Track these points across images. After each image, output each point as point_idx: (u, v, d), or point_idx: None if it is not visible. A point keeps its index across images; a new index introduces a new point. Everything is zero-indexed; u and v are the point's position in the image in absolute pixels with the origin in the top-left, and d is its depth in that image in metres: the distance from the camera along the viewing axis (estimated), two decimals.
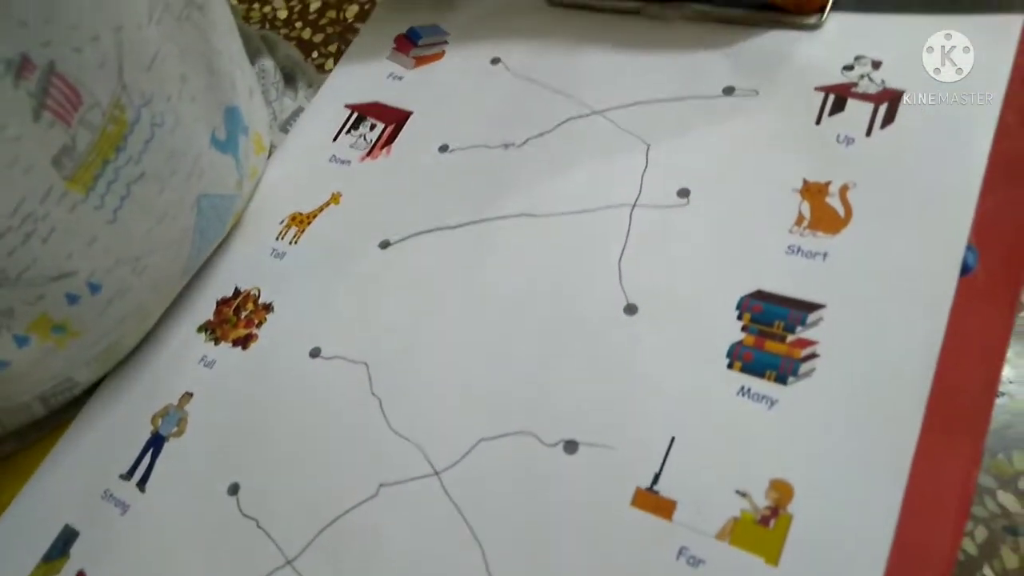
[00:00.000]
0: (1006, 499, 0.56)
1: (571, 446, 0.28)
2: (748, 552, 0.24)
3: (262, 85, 0.45)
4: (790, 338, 0.28)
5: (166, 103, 0.30)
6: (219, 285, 0.38)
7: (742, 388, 0.27)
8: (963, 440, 0.25)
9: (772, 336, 0.28)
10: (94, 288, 0.31)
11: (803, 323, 0.28)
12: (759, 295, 0.29)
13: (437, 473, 0.29)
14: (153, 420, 0.35)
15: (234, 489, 0.31)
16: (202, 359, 0.36)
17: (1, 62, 0.24)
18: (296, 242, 0.38)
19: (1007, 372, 0.59)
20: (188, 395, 0.35)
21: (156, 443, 0.34)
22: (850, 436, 0.25)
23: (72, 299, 0.31)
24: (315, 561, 0.29)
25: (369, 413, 0.31)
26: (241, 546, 0.30)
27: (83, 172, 0.28)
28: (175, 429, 0.34)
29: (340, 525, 0.29)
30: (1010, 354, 0.63)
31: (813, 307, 0.28)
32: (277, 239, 0.39)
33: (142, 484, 0.33)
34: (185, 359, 0.36)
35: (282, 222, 0.39)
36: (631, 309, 0.30)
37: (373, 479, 0.30)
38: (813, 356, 0.27)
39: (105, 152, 0.28)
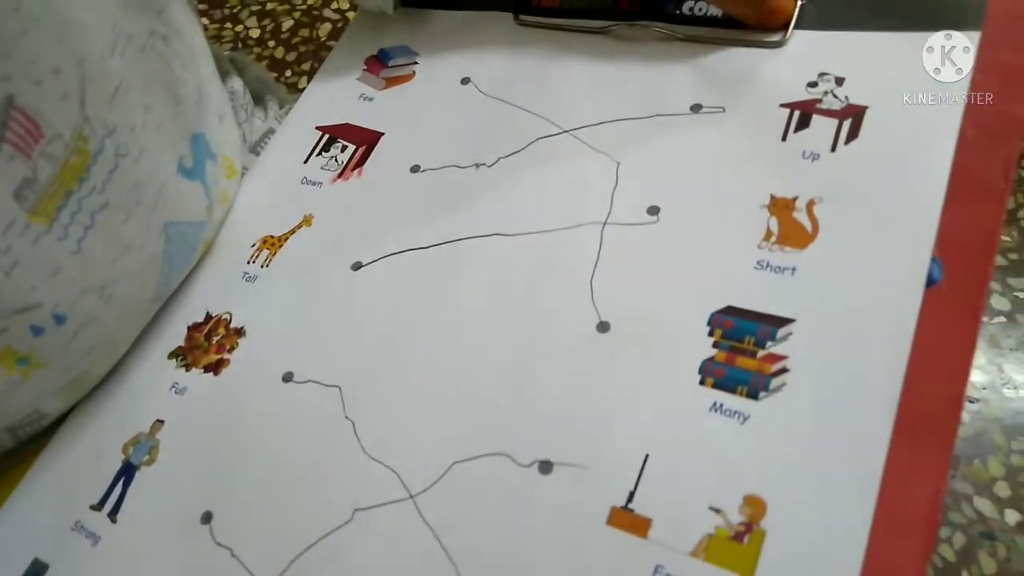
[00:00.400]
0: (982, 505, 0.57)
1: (546, 466, 0.28)
2: (723, 569, 0.24)
3: (231, 107, 0.45)
4: (761, 353, 0.28)
5: (130, 133, 0.30)
6: (190, 310, 0.38)
7: (714, 404, 0.27)
8: (932, 451, 0.25)
9: (743, 352, 0.28)
10: (59, 319, 0.31)
11: (773, 338, 0.28)
12: (729, 311, 0.29)
13: (412, 497, 0.29)
14: (124, 449, 0.34)
15: (207, 517, 0.31)
16: (173, 386, 0.36)
17: None
18: (268, 265, 0.38)
19: (981, 378, 0.60)
20: (159, 423, 0.35)
21: (127, 472, 0.34)
22: (821, 450, 0.26)
23: (37, 331, 0.31)
24: None
25: (343, 437, 0.31)
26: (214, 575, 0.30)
27: (46, 204, 0.28)
28: (146, 457, 0.34)
29: (315, 551, 0.29)
30: (983, 360, 0.65)
31: (783, 322, 0.28)
32: (249, 262, 0.39)
33: (113, 515, 0.33)
34: (156, 386, 0.36)
35: (253, 245, 0.39)
36: (603, 327, 0.30)
37: (348, 504, 0.29)
38: (784, 371, 0.27)
39: (68, 183, 0.28)
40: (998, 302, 0.61)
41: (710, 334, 0.29)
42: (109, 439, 0.35)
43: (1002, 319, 0.60)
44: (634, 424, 0.28)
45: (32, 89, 0.25)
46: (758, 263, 0.30)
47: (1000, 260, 0.62)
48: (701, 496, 0.26)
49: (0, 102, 0.25)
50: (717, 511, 0.25)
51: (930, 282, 0.28)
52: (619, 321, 0.30)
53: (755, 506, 0.25)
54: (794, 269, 0.29)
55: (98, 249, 0.30)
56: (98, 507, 0.33)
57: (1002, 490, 0.58)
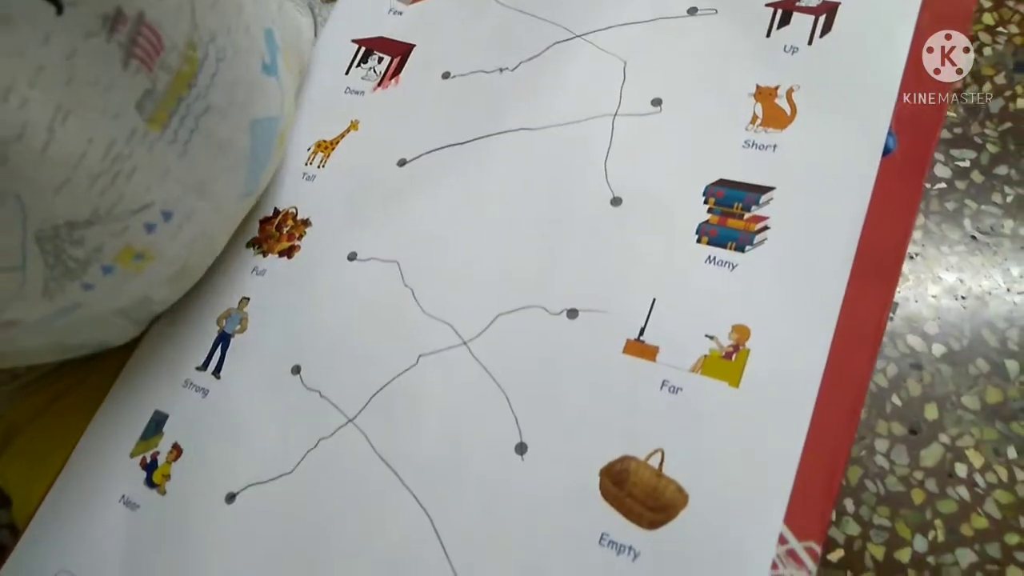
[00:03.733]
0: (914, 341, 0.65)
1: (572, 313, 0.34)
2: (716, 379, 0.31)
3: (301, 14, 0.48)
4: (747, 216, 0.34)
5: (227, 36, 0.33)
6: (259, 207, 0.44)
7: (709, 257, 0.33)
8: (880, 286, 0.31)
9: (732, 215, 0.34)
10: (167, 216, 0.35)
11: (757, 203, 0.34)
12: (721, 183, 0.35)
13: (465, 343, 0.35)
14: (218, 321, 0.41)
15: (296, 369, 0.38)
16: (254, 269, 0.42)
17: (99, 18, 0.27)
18: (324, 166, 0.44)
19: (921, 236, 0.68)
20: (245, 299, 0.41)
21: (223, 340, 0.40)
22: (794, 287, 0.31)
23: (150, 228, 0.34)
24: (372, 417, 0.35)
25: (404, 301, 0.37)
26: (308, 412, 0.36)
27: (160, 111, 0.31)
28: (238, 327, 0.40)
29: (390, 389, 0.35)
30: (923, 220, 0.71)
31: (765, 190, 0.34)
32: (306, 164, 0.44)
33: (217, 372, 0.39)
34: (239, 271, 0.42)
35: (309, 149, 0.44)
36: (616, 201, 0.36)
37: (413, 352, 0.36)
38: (765, 228, 0.33)
39: (179, 90, 0.31)
40: (941, 171, 0.67)
41: (705, 202, 0.34)
42: (204, 315, 0.41)
43: (943, 185, 0.66)
44: (643, 275, 0.34)
45: (156, 4, 0.28)
46: (745, 142, 0.35)
47: (945, 134, 0.68)
48: (698, 327, 0.32)
49: (132, 19, 0.28)
50: (711, 337, 0.32)
51: (886, 151, 0.33)
52: (629, 196, 0.36)
53: (741, 332, 0.31)
54: (775, 146, 0.35)
55: (200, 150, 0.34)
56: (203, 368, 0.40)
57: (932, 328, 0.66)
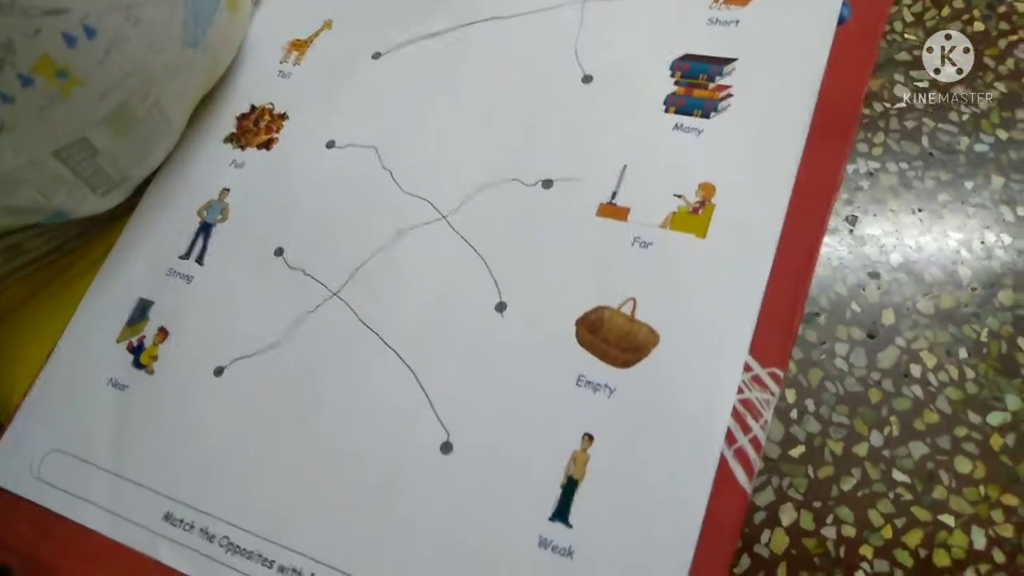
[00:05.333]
0: (872, 251, 0.69)
1: (547, 183, 0.35)
2: (684, 232, 0.32)
3: None
4: (711, 86, 0.35)
5: None
6: (236, 104, 0.44)
7: (676, 124, 0.34)
8: (836, 145, 0.33)
9: (698, 86, 0.35)
10: (89, 32, 0.33)
11: (721, 74, 0.35)
12: (687, 57, 0.36)
13: (444, 217, 0.36)
14: (199, 212, 0.41)
15: (279, 251, 0.38)
16: (232, 162, 0.42)
17: None
18: (299, 63, 0.44)
19: (880, 152, 0.71)
20: (225, 190, 0.41)
21: (205, 229, 0.40)
22: (757, 147, 0.33)
23: (70, 40, 0.32)
24: (355, 289, 0.36)
25: (383, 182, 0.38)
26: (293, 289, 0.37)
27: None
28: (219, 217, 0.40)
29: (372, 262, 0.36)
30: (882, 138, 0.74)
31: (728, 61, 0.35)
32: (281, 63, 0.44)
33: (200, 260, 0.40)
34: (218, 164, 0.42)
35: (283, 47, 0.45)
36: (587, 79, 0.37)
37: (393, 227, 0.37)
38: (729, 96, 0.34)
39: None
40: (900, 91, 0.70)
41: (672, 76, 0.36)
42: (184, 207, 0.41)
43: (902, 104, 0.69)
44: (615, 145, 0.35)
45: None
46: (709, 20, 0.36)
47: (905, 56, 0.70)
48: (667, 187, 0.33)
49: None
50: (679, 196, 0.33)
51: (841, 21, 0.34)
52: (599, 73, 0.37)
53: (707, 189, 0.33)
54: (737, 22, 0.36)
55: None
56: (186, 256, 0.40)
57: (890, 239, 0.69)
